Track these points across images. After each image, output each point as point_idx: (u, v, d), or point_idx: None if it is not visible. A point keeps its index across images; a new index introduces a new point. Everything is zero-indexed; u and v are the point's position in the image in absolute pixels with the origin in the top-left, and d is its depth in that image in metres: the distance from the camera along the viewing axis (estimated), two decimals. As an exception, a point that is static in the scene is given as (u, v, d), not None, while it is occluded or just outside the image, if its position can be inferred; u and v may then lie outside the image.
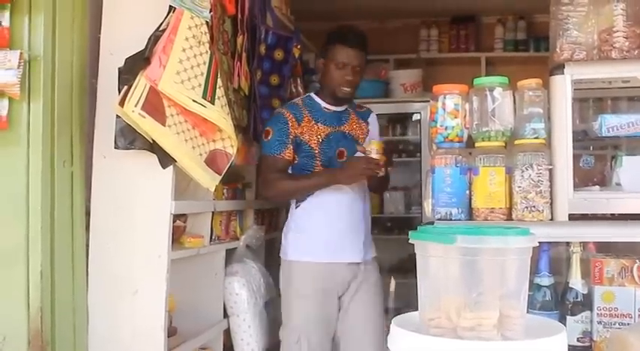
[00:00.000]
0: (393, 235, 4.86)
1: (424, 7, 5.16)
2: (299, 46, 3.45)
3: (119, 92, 2.31)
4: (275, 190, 2.84)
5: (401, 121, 5.13)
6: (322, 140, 2.83)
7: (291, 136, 2.80)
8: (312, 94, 2.93)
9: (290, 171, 2.87)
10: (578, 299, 2.11)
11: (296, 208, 2.89)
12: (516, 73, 4.77)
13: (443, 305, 1.24)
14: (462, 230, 1.27)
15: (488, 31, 5.45)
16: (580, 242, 2.12)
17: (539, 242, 2.09)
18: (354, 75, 2.79)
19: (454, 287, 1.24)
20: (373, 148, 2.66)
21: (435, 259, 1.25)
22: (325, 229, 2.83)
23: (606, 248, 2.22)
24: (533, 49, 5.22)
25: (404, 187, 5.07)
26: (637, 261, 2.08)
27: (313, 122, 2.83)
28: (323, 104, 2.89)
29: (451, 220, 2.20)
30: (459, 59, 5.36)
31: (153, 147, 2.36)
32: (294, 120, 2.80)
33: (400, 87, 4.99)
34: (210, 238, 2.95)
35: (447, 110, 2.28)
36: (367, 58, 2.84)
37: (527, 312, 2.05)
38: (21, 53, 2.19)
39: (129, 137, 2.37)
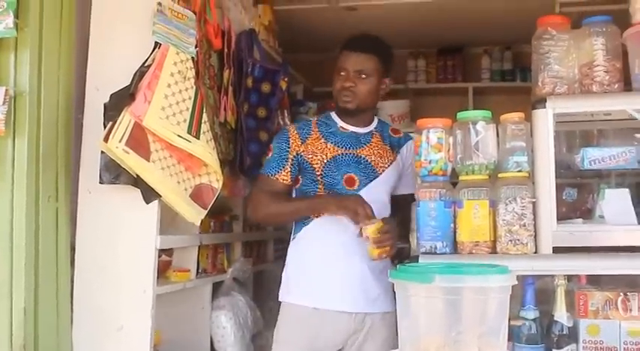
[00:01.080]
0: (383, 265, 4.84)
1: (411, 38, 5.21)
2: (286, 79, 3.48)
3: (104, 128, 2.32)
4: (259, 213, 2.50)
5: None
6: (327, 161, 2.43)
7: (292, 155, 2.44)
8: (332, 113, 2.57)
9: (294, 194, 2.55)
10: (564, 332, 2.10)
11: (292, 239, 2.54)
12: (503, 102, 4.85)
13: (423, 345, 1.24)
14: (441, 269, 1.28)
15: (475, 61, 5.50)
16: (565, 275, 2.13)
17: (524, 275, 2.13)
18: (353, 81, 2.39)
19: (433, 326, 1.24)
20: (367, 234, 2.23)
21: (415, 299, 1.25)
22: (319, 267, 2.42)
23: (594, 280, 2.22)
24: (519, 79, 5.27)
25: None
26: (621, 294, 2.09)
27: (322, 141, 2.45)
28: (340, 123, 2.51)
29: (436, 253, 2.20)
30: (447, 89, 5.41)
31: (137, 182, 2.36)
32: (297, 137, 2.46)
33: (388, 117, 5.00)
34: (197, 271, 2.94)
35: (431, 144, 2.29)
36: (381, 66, 2.46)
37: (514, 346, 2.08)
38: (6, 90, 2.21)
39: (113, 172, 2.37)
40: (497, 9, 4.32)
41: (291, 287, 2.46)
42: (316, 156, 2.43)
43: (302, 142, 2.45)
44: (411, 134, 2.50)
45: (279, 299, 2.48)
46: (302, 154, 2.44)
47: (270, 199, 2.44)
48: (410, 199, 2.42)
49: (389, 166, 2.48)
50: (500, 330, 1.25)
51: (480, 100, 5.22)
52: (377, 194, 2.42)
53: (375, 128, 2.53)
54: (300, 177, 2.48)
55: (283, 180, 2.46)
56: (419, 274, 1.24)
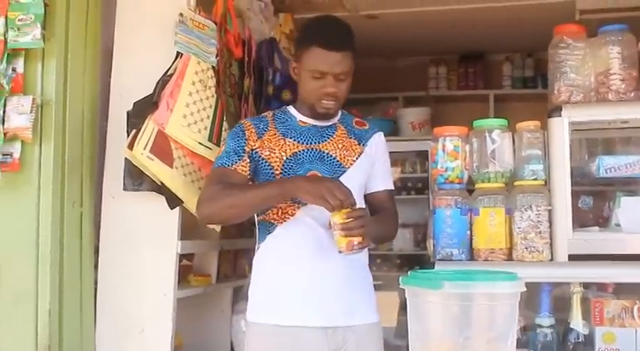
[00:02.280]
0: (403, 272, 4.85)
1: (432, 45, 5.24)
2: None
3: (128, 135, 2.39)
4: (209, 207, 2.07)
5: (409, 158, 5.17)
6: (287, 158, 2.11)
7: (247, 149, 2.11)
8: (289, 107, 2.24)
9: None
10: (580, 340, 2.12)
11: (257, 250, 2.17)
12: (524, 109, 4.86)
13: (432, 350, 1.27)
14: (451, 276, 1.31)
15: (496, 68, 5.51)
16: (580, 283, 2.14)
17: (540, 283, 2.15)
18: (337, 85, 2.08)
19: (443, 332, 1.27)
20: (334, 220, 1.91)
21: (424, 305, 1.28)
22: (284, 277, 2.08)
23: (614, 287, 2.23)
24: (541, 85, 5.26)
25: (413, 224, 5.08)
26: (637, 302, 2.09)
27: (280, 137, 2.13)
28: (299, 117, 2.19)
29: (452, 260, 2.23)
30: (468, 96, 5.42)
31: (160, 188, 2.42)
32: (252, 131, 2.13)
33: (409, 125, 5.05)
34: (218, 276, 2.99)
35: (447, 152, 2.32)
36: (354, 55, 2.10)
37: (529, 353, 2.10)
38: (34, 98, 2.28)
39: (137, 179, 2.43)
40: (519, 16, 4.33)
41: (254, 303, 2.13)
42: (274, 153, 2.11)
43: (258, 138, 2.13)
44: (377, 128, 2.29)
45: (247, 319, 2.15)
46: (257, 150, 2.11)
47: (222, 190, 2.06)
48: (383, 199, 2.23)
49: (356, 160, 2.16)
50: (508, 336, 1.28)
51: (501, 107, 5.23)
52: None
53: (338, 120, 2.21)
54: (254, 178, 2.15)
55: (242, 171, 2.10)
56: (428, 281, 1.27)
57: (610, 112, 2.23)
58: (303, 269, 2.06)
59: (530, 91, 5.31)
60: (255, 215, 2.16)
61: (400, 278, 1.32)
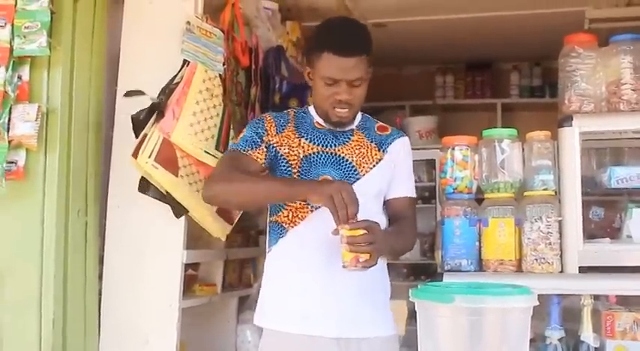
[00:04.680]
0: (409, 281, 4.83)
1: (440, 54, 5.22)
2: (313, 95, 3.49)
3: (136, 137, 2.37)
4: (214, 186, 2.01)
5: (416, 167, 5.13)
6: (304, 157, 2.04)
7: (265, 140, 2.05)
8: (310, 107, 2.16)
9: None
10: (590, 353, 2.08)
11: (267, 253, 2.11)
12: (532, 119, 4.83)
13: (443, 364, 1.24)
14: (463, 289, 1.28)
15: (503, 77, 5.49)
16: (591, 295, 2.11)
17: (550, 295, 2.11)
18: (351, 92, 1.99)
19: (454, 347, 1.24)
20: (342, 232, 1.80)
21: (435, 318, 1.26)
22: (295, 285, 2.01)
23: (622, 300, 2.19)
24: (549, 95, 5.23)
25: (420, 234, 5.04)
26: (649, 314, 2.06)
27: (297, 136, 2.07)
28: (315, 118, 2.11)
29: (460, 271, 2.20)
30: (475, 105, 5.40)
31: (165, 197, 2.40)
32: (273, 125, 2.07)
33: (416, 133, 5.02)
34: (223, 285, 2.96)
35: (456, 161, 2.30)
36: (370, 59, 2.02)
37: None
38: (39, 106, 2.27)
39: (145, 186, 2.42)
40: (526, 25, 4.31)
41: (265, 309, 2.07)
42: (292, 151, 2.05)
43: (277, 132, 2.06)
44: (401, 132, 2.21)
45: (254, 322, 2.12)
46: (275, 145, 2.05)
47: (234, 173, 1.98)
48: (403, 206, 2.13)
49: (374, 166, 2.07)
50: (521, 350, 1.25)
51: (508, 117, 5.20)
52: (360, 199, 1.88)
53: (357, 126, 2.12)
54: (271, 172, 2.08)
55: (257, 158, 2.03)
56: (439, 294, 1.24)
57: (621, 123, 2.20)
58: (316, 277, 1.98)
59: (538, 101, 5.28)
60: (268, 216, 2.10)
61: (410, 291, 1.30)
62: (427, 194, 5.02)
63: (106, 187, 2.54)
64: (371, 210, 1.98)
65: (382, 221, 2.04)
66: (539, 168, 2.21)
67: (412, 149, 4.99)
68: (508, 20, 4.23)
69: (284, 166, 2.04)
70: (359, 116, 2.15)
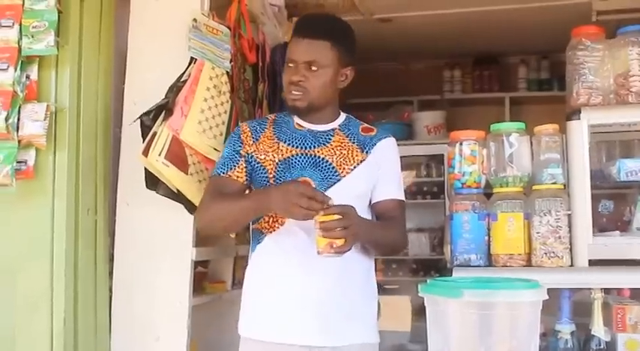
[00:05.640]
0: (418, 277, 4.83)
1: (447, 48, 5.21)
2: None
3: (143, 141, 2.38)
4: (201, 218, 2.08)
5: (424, 162, 5.14)
6: (279, 162, 2.01)
7: (243, 153, 2.04)
8: None
9: None
10: (601, 347, 2.07)
11: (249, 259, 2.11)
12: (540, 112, 4.82)
13: (453, 359, 1.24)
14: (471, 284, 1.28)
15: (511, 71, 5.48)
16: (601, 288, 2.10)
17: (560, 289, 2.11)
18: (303, 74, 1.96)
19: (463, 341, 1.24)
20: (316, 220, 1.79)
21: (444, 313, 1.26)
22: (270, 291, 1.99)
23: (633, 293, 2.18)
24: (557, 88, 5.21)
25: (429, 229, 5.05)
26: (661, 308, 2.05)
27: (275, 139, 2.04)
28: (295, 119, 2.09)
29: (470, 266, 2.20)
30: (483, 100, 5.39)
31: (175, 195, 2.40)
32: (249, 134, 2.06)
33: (424, 129, 5.02)
34: (233, 282, 2.97)
35: (464, 156, 2.29)
36: (339, 50, 1.99)
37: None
38: (48, 105, 2.27)
39: (153, 185, 2.42)
40: (534, 18, 4.30)
41: (243, 316, 2.08)
42: (268, 156, 2.03)
43: (254, 141, 2.05)
44: (387, 133, 2.16)
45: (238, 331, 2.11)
46: (253, 154, 2.04)
47: (212, 201, 2.01)
48: (389, 208, 2.08)
49: (355, 167, 2.02)
50: (530, 345, 1.25)
51: (516, 110, 5.19)
52: (341, 201, 1.85)
53: (339, 125, 2.08)
54: (251, 181, 2.08)
55: (237, 177, 2.03)
56: (448, 289, 1.24)
57: (630, 115, 2.19)
58: (289, 284, 1.96)
59: (546, 94, 5.26)
60: (250, 223, 2.09)
61: (419, 286, 1.30)
62: (436, 189, 5.03)
63: (115, 185, 2.55)
64: (350, 197, 1.94)
65: (360, 206, 1.99)
66: (547, 162, 2.20)
67: (420, 144, 5.03)
68: (515, 14, 4.22)
69: (261, 172, 2.03)
70: (342, 116, 2.13)
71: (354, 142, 2.07)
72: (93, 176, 2.44)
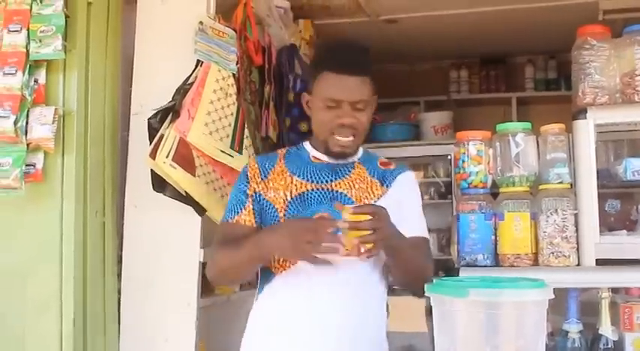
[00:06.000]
0: (427, 277, 4.82)
1: (453, 49, 5.21)
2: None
3: (150, 144, 2.39)
4: (212, 271, 1.91)
5: (432, 163, 5.14)
6: (292, 199, 1.84)
7: (250, 193, 1.88)
8: (305, 143, 1.99)
9: None
10: (609, 346, 2.06)
11: (255, 300, 1.93)
12: (548, 112, 4.82)
13: (459, 358, 1.25)
14: (477, 283, 1.28)
15: (518, 71, 5.47)
16: (609, 288, 2.10)
17: (567, 288, 2.11)
18: (354, 116, 1.80)
19: (469, 340, 1.25)
20: (344, 216, 1.67)
21: (450, 313, 1.26)
22: (278, 338, 1.82)
23: (634, 291, 2.19)
24: (564, 87, 5.19)
25: (437, 229, 5.04)
26: (669, 307, 2.05)
27: (288, 174, 1.89)
28: (312, 152, 1.94)
29: (476, 266, 2.20)
30: (490, 100, 5.38)
31: (183, 197, 2.42)
32: (257, 172, 1.90)
33: (431, 129, 5.02)
34: (241, 284, 2.98)
35: (471, 156, 2.29)
36: (374, 86, 1.85)
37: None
38: (56, 109, 2.30)
39: (160, 187, 2.44)
40: (540, 18, 4.29)
41: None
42: (278, 194, 1.86)
43: (262, 178, 1.89)
44: (406, 166, 2.04)
45: None
46: (261, 192, 1.88)
47: (219, 251, 1.88)
48: (419, 243, 1.91)
49: (375, 202, 1.86)
50: (537, 344, 1.25)
51: (524, 110, 5.19)
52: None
53: (359, 159, 1.95)
54: (261, 223, 1.88)
55: (245, 221, 1.86)
56: (454, 288, 1.25)
57: (636, 114, 2.18)
58: (305, 329, 1.77)
59: (553, 94, 5.24)
60: None
61: (425, 286, 1.30)
62: (443, 190, 5.02)
63: (124, 187, 2.57)
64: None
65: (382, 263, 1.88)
66: (554, 161, 2.20)
67: (427, 145, 5.02)
68: (521, 13, 4.21)
69: (270, 211, 1.86)
70: (360, 150, 1.98)
71: (373, 176, 1.93)
72: (101, 179, 2.47)
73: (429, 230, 5.09)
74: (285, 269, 1.83)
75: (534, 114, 5.02)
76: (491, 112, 5.20)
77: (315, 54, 2.06)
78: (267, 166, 1.92)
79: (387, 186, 1.93)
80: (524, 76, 5.38)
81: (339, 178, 1.90)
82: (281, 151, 2.00)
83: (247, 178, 1.91)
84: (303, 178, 1.88)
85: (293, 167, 1.91)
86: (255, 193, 1.88)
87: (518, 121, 4.80)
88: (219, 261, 1.87)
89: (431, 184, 5.14)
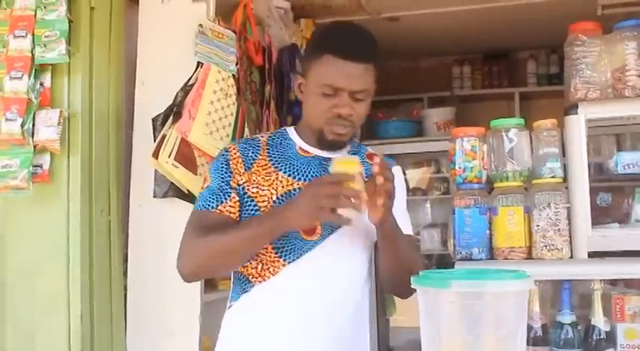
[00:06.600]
0: (431, 272, 4.87)
1: (456, 45, 5.24)
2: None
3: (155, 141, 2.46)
4: (190, 261, 1.69)
5: (434, 159, 5.18)
6: (277, 198, 1.67)
7: (234, 185, 1.69)
8: (289, 129, 1.81)
9: None
10: (601, 337, 2.10)
11: (227, 308, 1.78)
12: (550, 106, 4.84)
13: (444, 348, 1.30)
14: (460, 275, 1.34)
15: (520, 66, 5.49)
16: (601, 280, 2.14)
17: (560, 280, 2.15)
18: (353, 106, 1.64)
19: (452, 330, 1.30)
20: (336, 169, 1.55)
21: (434, 304, 1.31)
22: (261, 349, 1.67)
23: (632, 284, 2.23)
24: (566, 82, 5.21)
25: (440, 224, 5.09)
26: (659, 298, 2.09)
27: (272, 169, 1.70)
28: (299, 143, 1.76)
29: (472, 259, 2.25)
30: (493, 95, 5.41)
31: (186, 196, 2.48)
32: (239, 161, 1.70)
33: (433, 125, 5.05)
34: (245, 279, 3.03)
35: (465, 152, 2.34)
36: (377, 73, 1.69)
37: (551, 350, 2.10)
38: (61, 111, 2.36)
39: (164, 186, 2.50)
40: (541, 13, 4.32)
41: None
42: (262, 190, 1.67)
43: (245, 170, 1.70)
44: (394, 161, 1.89)
45: None
46: (244, 186, 1.69)
47: (199, 238, 1.65)
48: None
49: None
50: (518, 334, 1.30)
51: (526, 105, 5.21)
52: (351, 243, 1.66)
53: (348, 152, 1.80)
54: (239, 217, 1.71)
55: (230, 212, 1.67)
56: (437, 280, 1.30)
57: (627, 109, 2.22)
58: (288, 344, 1.65)
59: (555, 88, 5.25)
60: None
61: (412, 278, 1.36)
62: (446, 185, 5.07)
63: (128, 186, 2.63)
64: (361, 257, 1.73)
65: (367, 258, 1.77)
66: (546, 156, 2.24)
67: (429, 141, 5.03)
68: (522, 9, 4.24)
69: (250, 208, 1.68)
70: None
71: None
72: (106, 178, 2.53)
73: (435, 225, 5.16)
74: (265, 279, 1.68)
75: (537, 108, 5.05)
76: (495, 107, 5.23)
77: (315, 35, 1.87)
78: (249, 155, 1.72)
79: None
80: (527, 71, 5.40)
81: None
82: (262, 138, 1.79)
83: (229, 169, 1.70)
84: (290, 175, 1.70)
85: (277, 161, 1.72)
86: (239, 186, 1.69)
87: (521, 116, 4.87)
88: (202, 249, 1.64)
89: (433, 179, 5.18)
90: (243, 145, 1.75)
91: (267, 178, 1.69)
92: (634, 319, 2.08)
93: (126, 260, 2.60)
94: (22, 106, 2.31)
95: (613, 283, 2.20)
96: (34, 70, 2.36)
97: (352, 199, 1.48)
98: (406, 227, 1.82)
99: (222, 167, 1.72)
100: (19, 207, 2.42)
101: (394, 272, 1.71)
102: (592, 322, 2.12)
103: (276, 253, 1.66)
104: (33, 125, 2.35)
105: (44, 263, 2.40)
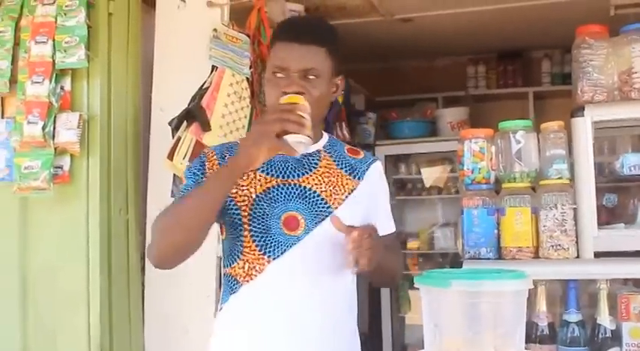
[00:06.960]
0: (444, 270, 4.90)
1: (470, 44, 5.25)
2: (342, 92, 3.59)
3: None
4: (155, 246, 1.65)
5: (449, 158, 5.20)
6: (257, 196, 1.65)
7: None
8: None
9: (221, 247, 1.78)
10: (607, 335, 2.14)
11: (218, 311, 1.77)
12: (565, 106, 4.82)
13: (445, 345, 1.35)
14: (460, 275, 1.39)
15: (535, 65, 5.48)
16: (607, 279, 2.17)
17: (567, 280, 2.19)
18: (302, 85, 1.61)
19: (453, 328, 1.35)
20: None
21: (435, 302, 1.36)
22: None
23: (637, 283, 2.26)
24: (581, 81, 5.22)
25: (454, 224, 5.11)
26: (664, 297, 2.12)
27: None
28: None
29: (480, 259, 2.29)
30: (507, 95, 5.41)
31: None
32: (215, 163, 1.69)
33: (447, 125, 5.07)
34: (259, 277, 3.09)
35: (473, 153, 2.38)
36: (333, 58, 1.67)
37: (558, 349, 2.14)
38: (80, 115, 2.44)
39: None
40: (555, 13, 4.32)
41: None
42: (241, 190, 1.66)
43: None
44: (374, 156, 1.89)
45: None
46: None
47: (158, 220, 1.63)
48: (389, 241, 1.79)
49: (347, 197, 1.71)
50: (516, 332, 1.34)
51: (541, 105, 5.21)
52: (336, 236, 1.59)
53: (324, 147, 1.77)
54: (223, 225, 1.72)
55: None
56: (438, 280, 1.35)
57: (633, 111, 2.25)
58: (278, 343, 1.63)
59: (570, 88, 5.21)
60: (222, 267, 1.78)
61: (414, 278, 1.41)
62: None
63: (145, 186, 2.70)
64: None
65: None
66: (553, 157, 2.28)
67: (442, 141, 5.04)
68: (535, 9, 4.24)
69: (232, 210, 1.66)
70: (325, 137, 1.81)
71: (341, 168, 1.75)
72: (124, 179, 2.60)
73: (448, 224, 5.15)
74: (252, 278, 1.66)
75: (551, 108, 5.06)
76: (509, 107, 5.24)
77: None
78: (226, 158, 1.70)
79: (358, 178, 1.76)
80: (541, 70, 5.40)
81: (307, 172, 1.71)
82: (241, 139, 1.76)
83: (204, 170, 1.69)
84: (267, 173, 1.68)
85: None
86: None
87: (535, 115, 4.88)
88: (162, 225, 1.61)
89: (447, 179, 5.20)
90: (220, 148, 1.75)
91: (246, 177, 1.67)
92: (639, 319, 2.11)
93: (143, 258, 2.66)
94: (44, 109, 2.39)
95: (624, 282, 2.24)
96: (54, 75, 2.44)
97: (297, 124, 1.47)
98: (390, 226, 1.83)
99: (198, 168, 1.70)
100: (41, 207, 2.50)
101: (377, 281, 1.93)
102: (598, 321, 2.16)
103: (260, 251, 1.65)
104: (54, 128, 2.44)
105: (64, 262, 2.48)
